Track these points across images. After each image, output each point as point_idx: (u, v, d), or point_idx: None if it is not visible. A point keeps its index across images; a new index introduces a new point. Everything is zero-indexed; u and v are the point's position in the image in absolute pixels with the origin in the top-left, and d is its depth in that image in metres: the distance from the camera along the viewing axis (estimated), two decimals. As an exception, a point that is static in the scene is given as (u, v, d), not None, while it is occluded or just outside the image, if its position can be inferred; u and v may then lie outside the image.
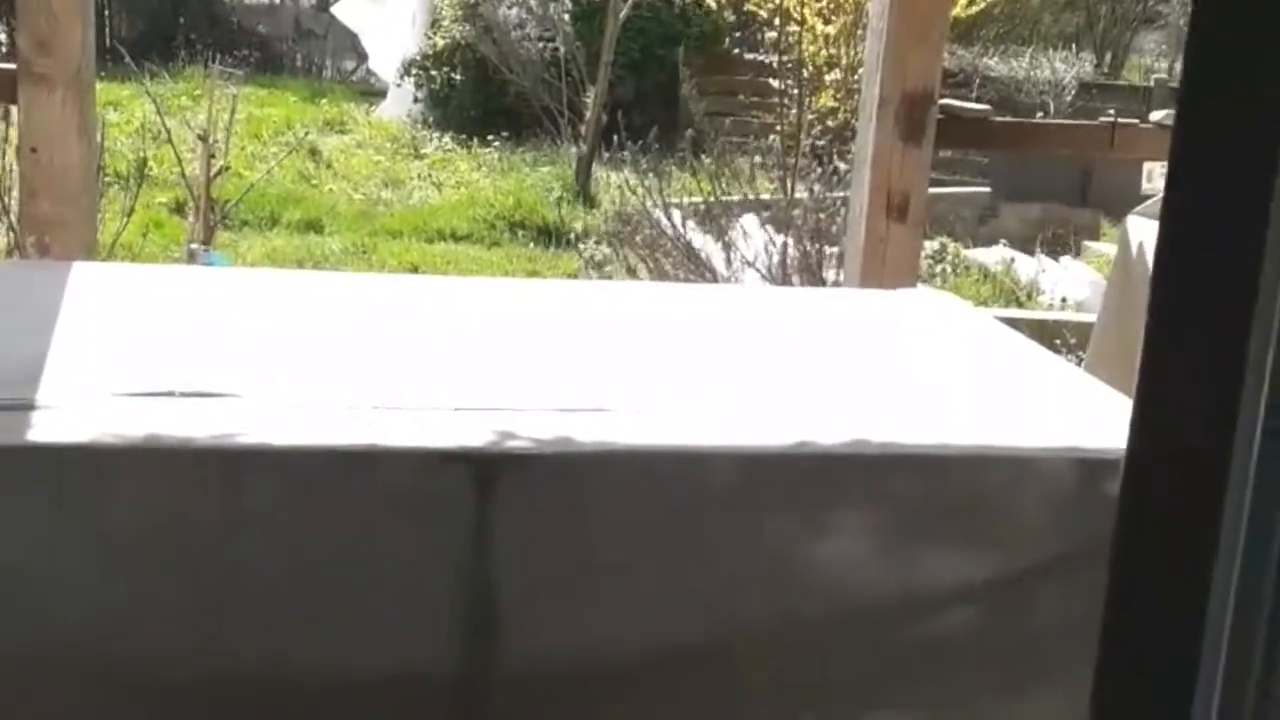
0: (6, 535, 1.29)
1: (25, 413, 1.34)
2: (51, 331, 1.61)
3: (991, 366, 1.81)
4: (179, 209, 8.19)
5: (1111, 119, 3.34)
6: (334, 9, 14.76)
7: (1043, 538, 1.49)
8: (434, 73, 12.71)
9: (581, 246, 8.15)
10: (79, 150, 2.75)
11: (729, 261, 5.36)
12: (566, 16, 11.44)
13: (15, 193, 4.43)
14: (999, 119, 3.46)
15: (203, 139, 6.18)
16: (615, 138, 6.67)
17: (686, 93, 6.11)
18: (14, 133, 3.79)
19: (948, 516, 1.47)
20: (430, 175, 10.78)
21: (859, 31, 7.47)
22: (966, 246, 7.94)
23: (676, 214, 5.70)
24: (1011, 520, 1.48)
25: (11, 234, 4.72)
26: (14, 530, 1.29)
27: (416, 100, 12.94)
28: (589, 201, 9.87)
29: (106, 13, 14.23)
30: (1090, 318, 4.62)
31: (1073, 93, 12.46)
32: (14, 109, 3.14)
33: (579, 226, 9.00)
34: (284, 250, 8.24)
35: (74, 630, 1.31)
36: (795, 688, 1.47)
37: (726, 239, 5.38)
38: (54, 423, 1.33)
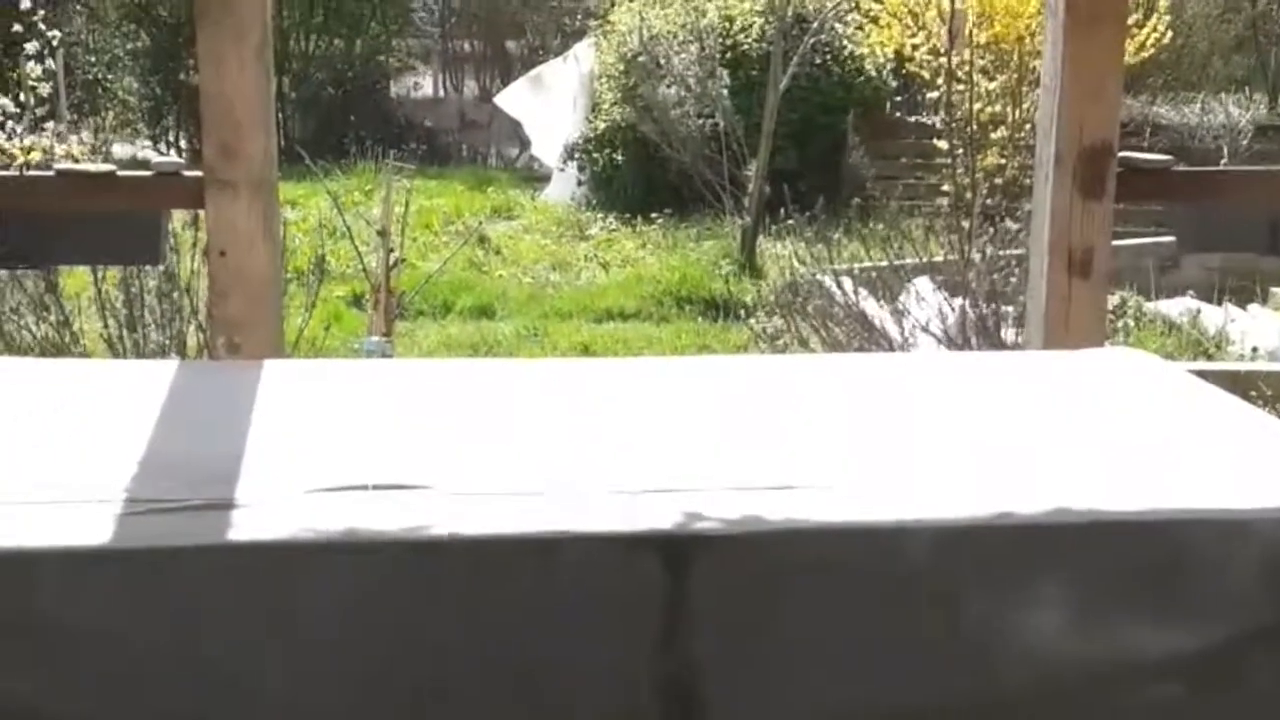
0: (209, 632, 1.31)
1: (225, 511, 1.37)
2: (246, 430, 1.65)
3: (1194, 425, 1.74)
4: (356, 301, 8.41)
5: (1301, 162, 3.22)
6: (496, 99, 15.12)
7: (1256, 604, 1.42)
8: (596, 155, 12.90)
9: (751, 320, 8.13)
10: (265, 252, 2.83)
11: (902, 328, 5.28)
12: (725, 92, 11.51)
13: (203, 294, 4.59)
14: (1182, 169, 3.35)
15: (381, 234, 6.34)
16: (782, 209, 6.66)
17: (855, 160, 6.08)
18: (202, 236, 3.93)
19: (1156, 584, 1.41)
20: (596, 255, 10.91)
21: (1024, 87, 7.37)
22: (1148, 299, 7.73)
23: (847, 281, 5.65)
24: (1223, 586, 1.41)
25: (201, 334, 4.89)
26: (216, 627, 1.31)
27: (580, 183, 13.14)
28: (755, 273, 9.88)
29: (281, 114, 14.78)
30: (1286, 367, 4.44)
31: (1249, 136, 12.11)
32: (201, 213, 3.27)
33: (747, 299, 9.00)
34: (458, 337, 8.39)
35: (276, 725, 1.32)
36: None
37: (899, 304, 5.32)
38: (252, 520, 1.35)
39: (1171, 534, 1.41)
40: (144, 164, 3.37)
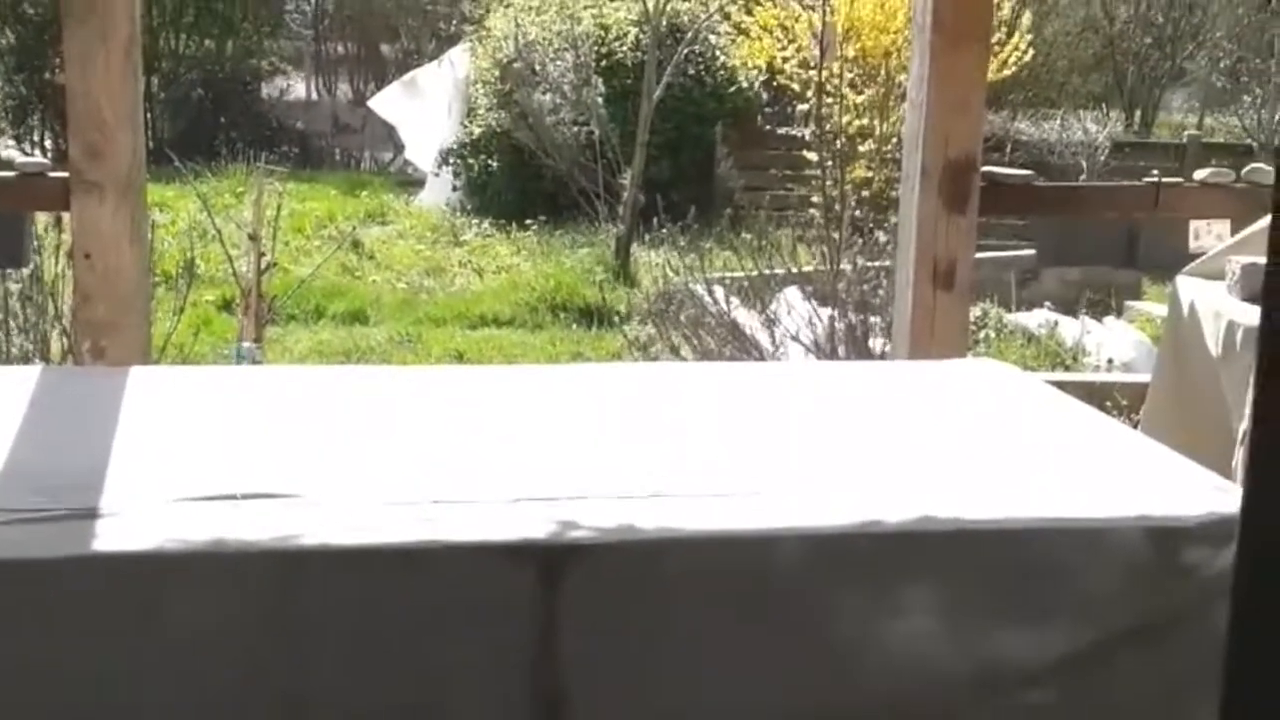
0: (74, 644, 1.29)
1: (89, 521, 1.35)
2: (111, 438, 1.62)
3: (1053, 435, 1.79)
4: (226, 306, 8.27)
5: (1156, 179, 3.33)
6: (370, 102, 14.98)
7: (1116, 609, 1.46)
8: (471, 160, 12.84)
9: (625, 328, 8.16)
10: (131, 255, 2.79)
11: (773, 337, 5.35)
12: (600, 100, 11.53)
13: (68, 298, 4.48)
14: (1042, 184, 3.45)
15: (253, 238, 6.25)
16: (655, 218, 6.70)
17: (724, 170, 6.15)
18: (67, 238, 3.85)
19: (1019, 591, 1.45)
20: (471, 261, 10.85)
21: (890, 101, 7.50)
22: (1008, 310, 7.91)
23: (719, 290, 5.70)
24: (1083, 593, 1.46)
25: (66, 339, 4.77)
26: (83, 638, 1.29)
27: (455, 188, 13.06)
28: (629, 281, 9.91)
29: (149, 115, 14.46)
30: (1139, 378, 4.58)
31: (1106, 152, 12.46)
32: (66, 216, 3.20)
33: (621, 307, 9.02)
34: (330, 343, 8.30)
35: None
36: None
37: (770, 313, 5.38)
38: (118, 530, 1.33)
39: (1033, 541, 1.46)
40: (7, 164, 3.28)
